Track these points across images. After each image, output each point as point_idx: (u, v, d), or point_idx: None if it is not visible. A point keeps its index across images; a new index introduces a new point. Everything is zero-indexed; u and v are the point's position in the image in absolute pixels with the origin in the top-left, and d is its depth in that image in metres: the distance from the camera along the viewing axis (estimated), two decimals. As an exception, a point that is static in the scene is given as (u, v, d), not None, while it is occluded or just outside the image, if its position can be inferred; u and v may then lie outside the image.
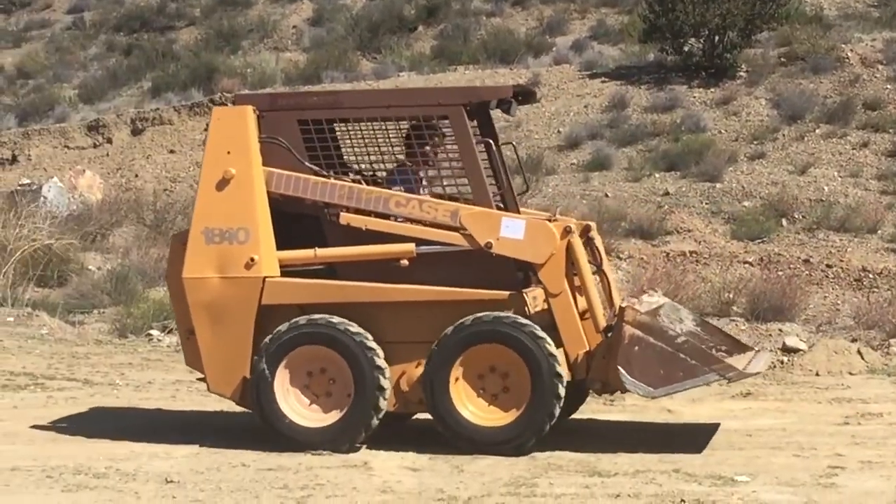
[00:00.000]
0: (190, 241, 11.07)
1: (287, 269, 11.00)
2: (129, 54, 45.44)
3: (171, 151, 33.27)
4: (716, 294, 19.54)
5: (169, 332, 17.82)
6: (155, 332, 17.79)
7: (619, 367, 10.35)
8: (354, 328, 10.69)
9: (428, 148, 11.27)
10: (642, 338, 10.37)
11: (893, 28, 35.48)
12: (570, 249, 10.63)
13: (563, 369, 10.47)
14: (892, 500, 9.21)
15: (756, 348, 11.91)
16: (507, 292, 10.66)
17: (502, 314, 10.54)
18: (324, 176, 11.04)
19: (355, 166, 11.46)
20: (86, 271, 20.71)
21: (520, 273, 10.82)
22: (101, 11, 49.48)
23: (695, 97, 32.45)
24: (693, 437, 11.45)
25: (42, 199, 24.73)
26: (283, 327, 10.82)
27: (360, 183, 11.07)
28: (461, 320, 10.56)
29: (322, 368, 10.83)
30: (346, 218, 10.90)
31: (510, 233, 10.62)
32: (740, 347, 11.75)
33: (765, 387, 14.32)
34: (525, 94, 11.89)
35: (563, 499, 9.20)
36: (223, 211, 10.98)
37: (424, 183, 11.40)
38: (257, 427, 11.33)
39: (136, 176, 32.01)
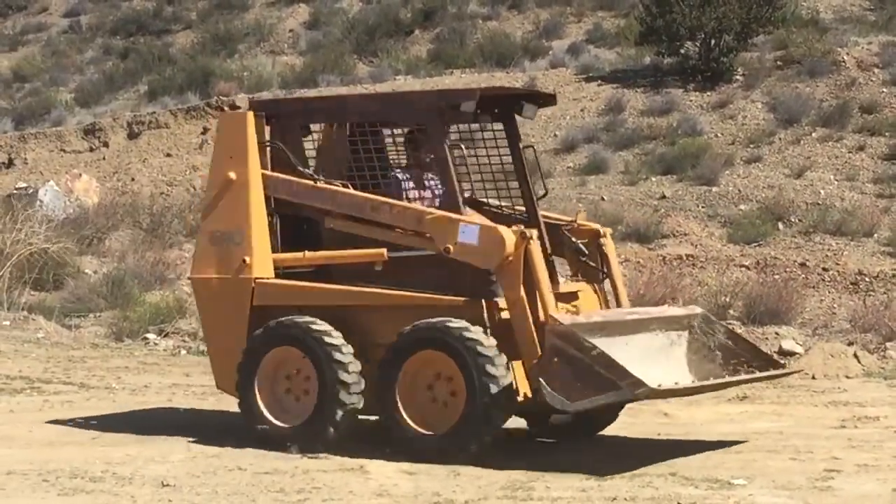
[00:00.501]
0: (197, 241, 11.30)
1: (290, 272, 11.18)
2: (125, 58, 45.40)
3: (168, 155, 33.25)
4: (712, 297, 19.54)
5: (165, 336, 17.82)
6: (151, 336, 17.80)
7: (540, 379, 10.08)
8: (317, 326, 10.78)
9: (423, 152, 11.31)
10: (563, 349, 10.03)
11: (889, 31, 35.48)
12: (527, 256, 10.42)
13: (499, 374, 10.22)
14: (888, 503, 9.21)
15: (788, 369, 11.70)
16: (463, 298, 10.57)
17: (441, 320, 10.41)
18: (313, 180, 11.16)
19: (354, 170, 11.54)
20: (82, 275, 20.69)
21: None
22: (97, 15, 49.43)
23: (691, 101, 32.45)
24: (690, 441, 11.46)
25: (38, 202, 24.70)
26: (260, 329, 10.98)
27: (347, 187, 11.17)
28: (407, 326, 10.53)
29: (298, 369, 10.96)
30: (329, 221, 11.07)
31: (466, 238, 10.51)
32: (772, 364, 11.41)
33: (761, 390, 14.33)
34: (545, 97, 11.93)
35: (560, 502, 9.20)
36: (224, 213, 11.21)
37: (432, 185, 11.39)
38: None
39: (133, 179, 31.99)
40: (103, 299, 19.25)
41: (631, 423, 12.37)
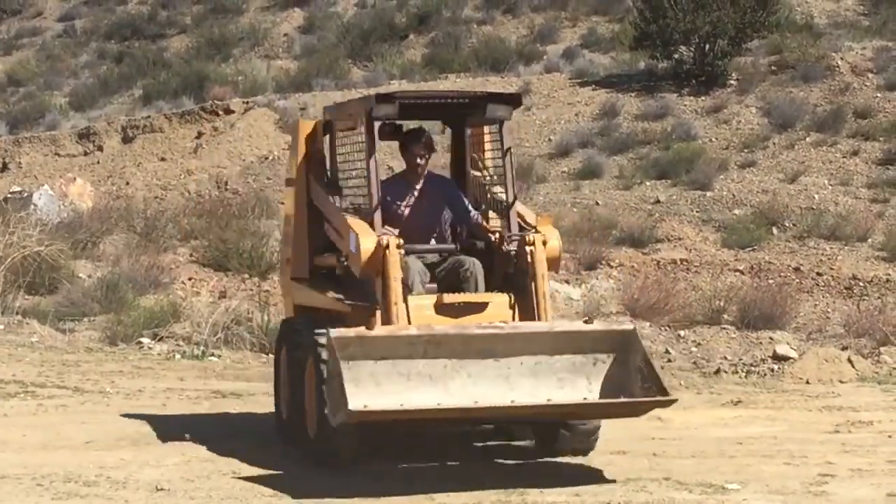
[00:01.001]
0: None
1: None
2: (120, 62, 45.42)
3: (162, 159, 33.24)
4: (706, 302, 19.55)
5: (160, 340, 17.80)
6: (146, 340, 17.76)
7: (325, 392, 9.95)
8: (301, 327, 11.05)
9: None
10: (333, 363, 9.63)
11: (883, 36, 35.55)
12: (384, 264, 10.21)
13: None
14: (883, 508, 9.23)
15: (670, 397, 10.85)
16: (351, 305, 10.52)
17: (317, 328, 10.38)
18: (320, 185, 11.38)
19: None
20: (76, 279, 20.66)
21: None
22: (92, 19, 49.45)
23: (685, 105, 32.49)
24: (684, 445, 11.46)
25: (33, 206, 24.68)
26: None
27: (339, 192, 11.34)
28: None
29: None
30: (325, 224, 11.26)
31: (350, 245, 10.47)
32: (660, 392, 10.19)
33: (755, 395, 14.34)
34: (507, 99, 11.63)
35: (554, 507, 9.20)
36: (285, 216, 12.09)
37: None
38: (248, 434, 11.35)
39: (127, 184, 31.98)
40: (97, 303, 19.21)
41: (625, 427, 12.37)
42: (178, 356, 17.20)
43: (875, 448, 11.45)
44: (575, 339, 10.24)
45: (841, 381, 15.33)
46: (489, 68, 37.77)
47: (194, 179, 31.30)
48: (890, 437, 12.06)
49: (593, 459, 10.75)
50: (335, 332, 9.71)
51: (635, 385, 10.07)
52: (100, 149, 34.57)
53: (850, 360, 15.80)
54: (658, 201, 27.82)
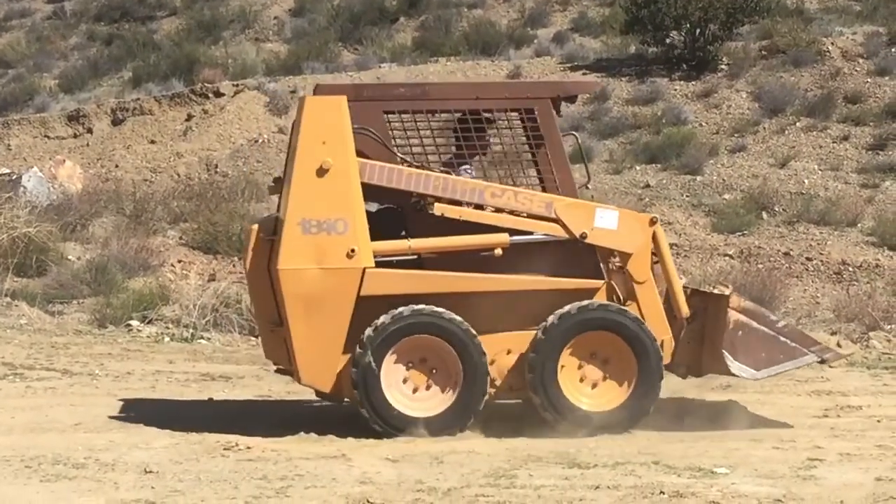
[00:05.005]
0: None
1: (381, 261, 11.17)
2: (109, 44, 45.24)
3: (152, 142, 33.14)
4: (696, 287, 19.54)
5: (148, 323, 17.78)
6: (134, 323, 17.76)
7: (724, 352, 11.14)
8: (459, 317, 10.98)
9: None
10: (746, 323, 11.11)
11: (874, 22, 35.52)
12: (655, 239, 11.35)
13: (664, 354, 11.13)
14: (871, 492, 9.23)
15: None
16: (602, 281, 11.25)
17: (607, 303, 11.10)
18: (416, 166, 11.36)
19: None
20: (65, 261, 20.63)
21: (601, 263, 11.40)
22: (81, 1, 49.24)
23: (676, 90, 32.46)
24: (672, 429, 11.46)
25: (22, 188, 24.62)
26: (385, 318, 10.96)
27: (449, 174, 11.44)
28: (566, 309, 10.99)
29: (423, 358, 11.05)
30: (440, 208, 11.17)
31: (604, 223, 11.42)
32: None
33: (744, 380, 14.33)
34: None
35: (543, 490, 9.20)
36: None
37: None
38: (236, 417, 11.33)
39: (117, 166, 31.88)
40: (86, 286, 19.19)
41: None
42: (167, 339, 17.20)
43: (864, 432, 11.47)
44: None
45: (830, 366, 15.33)
46: (479, 52, 37.68)
47: (184, 162, 31.21)
48: (879, 421, 12.08)
49: (581, 443, 10.75)
50: None
51: None
52: (89, 131, 34.45)
53: (839, 345, 15.81)
54: (648, 186, 27.81)
